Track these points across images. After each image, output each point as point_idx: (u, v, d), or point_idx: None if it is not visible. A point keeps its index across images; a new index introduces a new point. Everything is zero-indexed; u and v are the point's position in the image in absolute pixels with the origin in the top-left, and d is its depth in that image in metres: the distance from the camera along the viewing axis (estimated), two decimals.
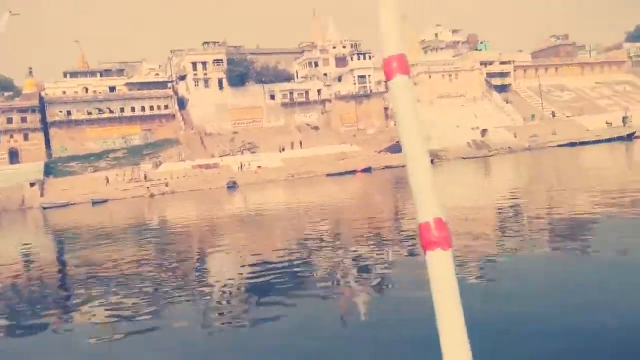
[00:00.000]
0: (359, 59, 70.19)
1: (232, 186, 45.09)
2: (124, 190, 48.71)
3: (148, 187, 46.95)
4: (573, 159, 33.10)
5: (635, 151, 34.20)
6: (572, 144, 50.50)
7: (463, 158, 50.41)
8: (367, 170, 47.14)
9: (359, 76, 69.70)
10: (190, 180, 50.15)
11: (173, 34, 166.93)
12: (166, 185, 47.23)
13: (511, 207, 12.74)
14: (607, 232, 7.96)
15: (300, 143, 63.66)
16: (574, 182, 17.74)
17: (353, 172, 46.75)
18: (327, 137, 66.44)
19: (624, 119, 63.36)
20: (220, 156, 59.48)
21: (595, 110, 70.93)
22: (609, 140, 48.62)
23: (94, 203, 42.65)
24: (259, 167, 53.47)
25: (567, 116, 69.37)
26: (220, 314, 5.93)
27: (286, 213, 18.31)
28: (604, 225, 8.56)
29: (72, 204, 44.97)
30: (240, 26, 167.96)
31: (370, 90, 69.87)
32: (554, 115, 70.49)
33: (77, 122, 64.72)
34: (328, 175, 46.70)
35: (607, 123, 62.69)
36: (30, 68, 72.92)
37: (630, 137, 48.77)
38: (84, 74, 71.15)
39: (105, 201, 43.84)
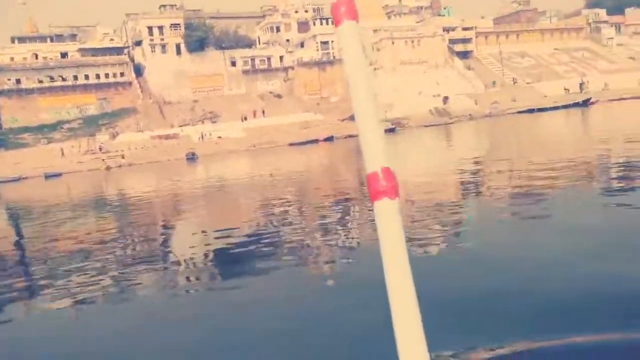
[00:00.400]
0: (321, 24, 68.83)
1: (192, 157, 44.13)
2: (79, 162, 47.09)
3: (104, 160, 45.46)
4: (529, 126, 33.67)
5: (591, 117, 35.09)
6: (530, 111, 51.44)
7: (425, 126, 50.70)
8: (330, 139, 46.92)
9: (321, 42, 68.51)
10: (148, 152, 48.84)
11: None
12: (122, 157, 45.84)
13: (468, 175, 12.76)
14: (560, 201, 7.95)
15: (263, 112, 62.67)
16: (527, 150, 17.96)
17: (315, 141, 46.45)
18: (290, 105, 65.58)
19: (581, 85, 64.90)
20: (180, 126, 58.06)
21: (554, 76, 72.26)
22: (566, 106, 49.72)
23: (47, 177, 41.08)
24: (220, 137, 52.47)
25: (527, 83, 70.46)
26: (186, 284, 5.80)
27: (246, 185, 17.95)
28: (557, 194, 8.59)
29: (24, 178, 43.29)
30: None
31: (334, 57, 68.89)
32: (515, 82, 71.46)
33: (28, 91, 61.73)
34: (290, 144, 46.25)
35: (564, 89, 64.13)
36: None
37: (585, 103, 50.03)
38: (34, 39, 67.51)
39: (59, 175, 42.29)
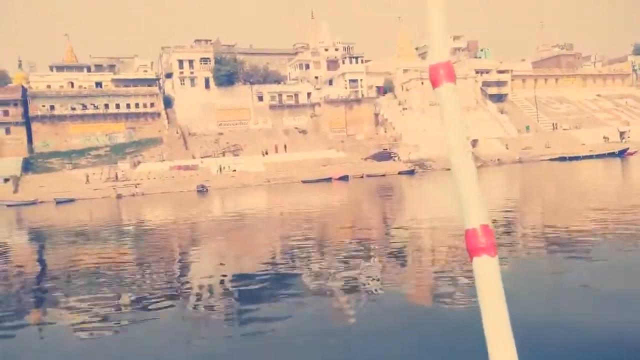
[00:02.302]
0: (350, 62, 68.32)
1: (201, 190, 43.36)
2: (96, 190, 47.22)
3: (114, 188, 45.30)
4: (560, 174, 31.18)
5: (630, 169, 31.87)
6: (562, 159, 48.43)
7: (447, 169, 48.40)
8: (344, 178, 45.32)
9: (350, 80, 67.83)
10: (163, 182, 48.54)
11: (171, 30, 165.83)
12: (136, 187, 45.59)
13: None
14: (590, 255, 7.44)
15: (285, 147, 61.96)
16: (551, 202, 15.94)
17: (329, 179, 44.97)
18: (315, 141, 64.69)
19: (622, 134, 61.22)
20: (202, 157, 57.93)
21: (594, 123, 68.65)
22: (600, 156, 46.48)
23: (58, 202, 41.07)
24: (234, 170, 51.82)
25: (564, 129, 67.16)
26: (202, 320, 5.86)
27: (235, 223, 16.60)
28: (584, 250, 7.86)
29: (40, 202, 43.52)
30: (239, 25, 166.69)
31: (362, 95, 68.00)
32: (555, 128, 68.28)
33: (61, 118, 63.41)
34: (303, 182, 44.90)
35: (604, 138, 60.54)
36: (20, 60, 72.19)
37: (622, 153, 46.58)
38: (71, 68, 69.90)
39: (71, 201, 42.29)
